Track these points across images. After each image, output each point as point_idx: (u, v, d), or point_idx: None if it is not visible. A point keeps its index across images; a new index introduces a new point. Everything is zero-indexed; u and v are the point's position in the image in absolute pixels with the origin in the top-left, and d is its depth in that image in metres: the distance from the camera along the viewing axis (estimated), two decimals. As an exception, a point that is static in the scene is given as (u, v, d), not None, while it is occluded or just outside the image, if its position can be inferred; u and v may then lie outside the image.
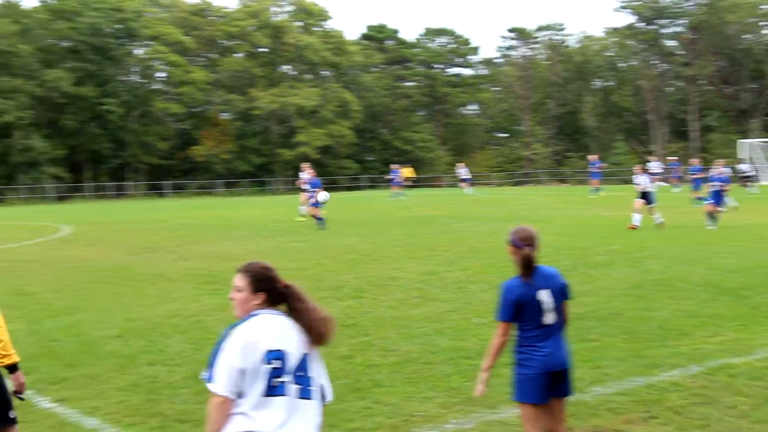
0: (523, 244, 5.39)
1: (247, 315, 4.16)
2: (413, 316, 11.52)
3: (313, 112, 76.70)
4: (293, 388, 4.01)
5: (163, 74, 76.28)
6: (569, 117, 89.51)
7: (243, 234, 25.20)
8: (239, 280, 4.25)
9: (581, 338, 9.69)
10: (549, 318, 5.40)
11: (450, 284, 14.24)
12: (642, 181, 24.55)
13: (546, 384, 5.37)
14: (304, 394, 4.06)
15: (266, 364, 3.94)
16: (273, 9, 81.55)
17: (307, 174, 29.21)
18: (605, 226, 25.03)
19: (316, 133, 75.65)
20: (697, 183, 34.16)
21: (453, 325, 10.78)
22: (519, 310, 5.37)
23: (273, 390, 3.95)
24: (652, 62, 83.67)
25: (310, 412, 4.08)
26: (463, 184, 53.32)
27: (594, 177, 44.87)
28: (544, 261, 5.57)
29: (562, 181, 77.82)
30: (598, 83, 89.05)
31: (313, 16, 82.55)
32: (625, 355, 9.00)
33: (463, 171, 53.87)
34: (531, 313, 5.37)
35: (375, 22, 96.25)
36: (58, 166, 67.86)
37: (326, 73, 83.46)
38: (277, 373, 3.97)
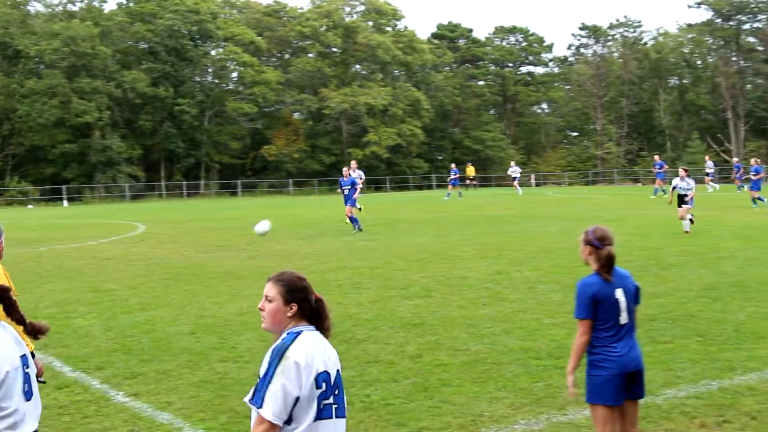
0: (603, 243, 5.33)
1: (280, 329, 3.96)
2: (482, 315, 11.46)
3: (384, 111, 76.85)
4: (334, 408, 3.86)
5: (236, 74, 77.25)
6: (643, 115, 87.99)
7: (312, 233, 25.40)
8: (270, 290, 4.02)
9: (653, 340, 9.54)
10: (624, 318, 5.32)
11: (519, 284, 14.14)
12: (676, 182, 23.65)
13: (621, 385, 5.29)
14: (340, 413, 3.91)
15: (317, 388, 3.76)
16: (345, 9, 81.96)
17: (353, 172, 28.37)
18: (680, 226, 24.54)
19: (387, 132, 75.80)
20: (755, 183, 33.58)
21: (522, 326, 10.69)
22: (596, 307, 5.29)
23: (320, 413, 3.78)
24: (730, 59, 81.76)
25: (343, 430, 3.95)
26: (515, 183, 52.58)
27: (659, 177, 44.07)
28: (617, 261, 5.48)
29: (635, 181, 76.66)
30: (673, 81, 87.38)
31: (385, 16, 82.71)
32: (699, 357, 8.81)
33: (514, 170, 53.01)
34: (607, 311, 5.29)
35: (446, 21, 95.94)
36: (134, 165, 69.30)
37: (397, 72, 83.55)
38: (325, 395, 3.80)
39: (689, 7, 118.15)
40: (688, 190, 22.95)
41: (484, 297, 12.95)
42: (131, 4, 73.86)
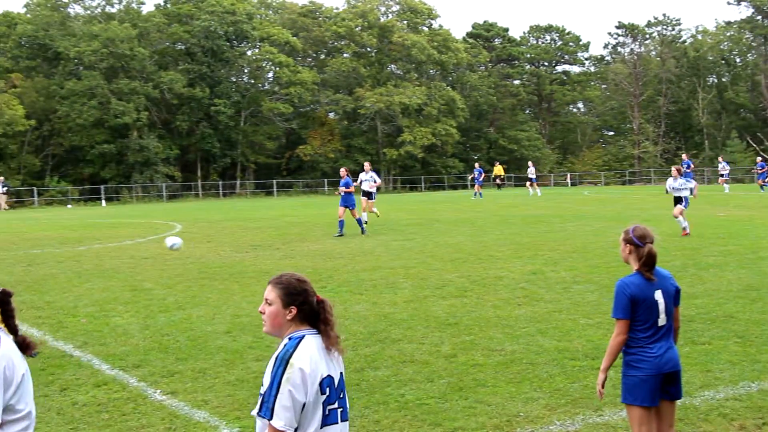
0: (643, 241, 5.30)
1: (281, 333, 3.92)
2: (517, 315, 11.42)
3: (419, 111, 76.80)
4: (339, 412, 3.85)
5: (272, 75, 77.60)
6: (680, 114, 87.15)
7: (347, 232, 25.43)
8: (270, 293, 3.92)
9: (691, 341, 9.45)
10: (662, 319, 5.28)
11: (555, 284, 14.06)
12: (669, 183, 23.16)
13: (657, 386, 5.25)
14: (345, 416, 3.90)
15: (322, 393, 3.76)
16: (380, 9, 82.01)
17: (366, 174, 27.47)
18: (719, 226, 24.29)
19: (422, 131, 75.75)
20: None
21: (558, 326, 10.64)
22: (634, 308, 5.25)
23: (326, 419, 3.77)
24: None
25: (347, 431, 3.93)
26: (528, 184, 51.70)
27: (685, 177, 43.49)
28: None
29: (673, 180, 75.80)
30: (711, 79, 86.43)
31: (420, 15, 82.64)
32: (738, 359, 8.71)
33: (531, 170, 52.21)
34: (646, 312, 5.25)
35: (481, 20, 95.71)
36: (171, 165, 69.92)
37: (432, 71, 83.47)
38: (329, 400, 3.79)
39: (729, 3, 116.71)
40: (682, 189, 22.35)
41: (519, 297, 12.90)
42: (168, 6, 74.53)
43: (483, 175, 50.34)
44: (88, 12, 70.56)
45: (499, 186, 64.93)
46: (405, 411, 7.35)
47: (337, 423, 3.80)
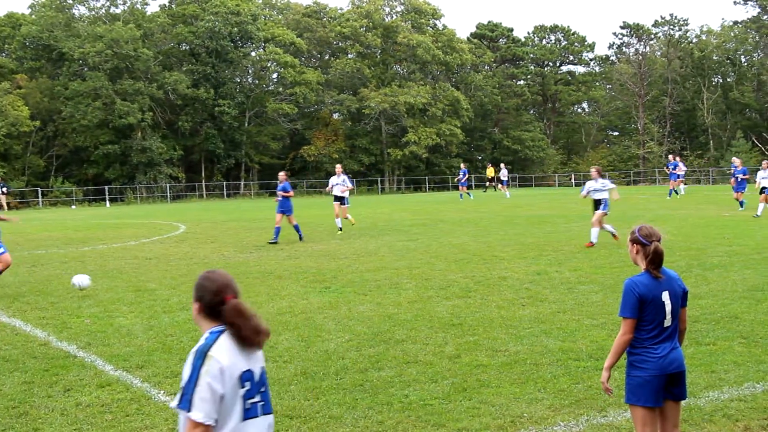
0: (649, 240, 5.29)
1: (201, 327, 3.94)
2: (521, 316, 11.40)
3: (423, 111, 76.83)
4: (260, 406, 3.88)
5: (277, 75, 77.67)
6: (685, 114, 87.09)
7: (351, 233, 25.43)
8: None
9: (695, 341, 9.42)
10: (668, 321, 5.27)
11: (559, 285, 14.04)
12: (590, 185, 20.65)
13: (661, 387, 5.23)
14: (266, 409, 3.93)
15: (242, 387, 3.78)
16: (385, 9, 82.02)
17: (338, 177, 25.72)
18: (724, 226, 24.25)
19: (426, 132, 75.80)
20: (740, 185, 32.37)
21: (562, 327, 10.61)
22: (641, 308, 5.24)
23: (248, 413, 3.80)
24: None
25: (270, 425, 3.96)
26: (501, 187, 51.13)
27: (672, 178, 43.06)
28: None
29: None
30: (716, 79, 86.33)
31: (425, 15, 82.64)
32: (743, 359, 8.68)
33: (503, 172, 51.67)
34: (653, 312, 5.23)
35: (485, 20, 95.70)
36: (175, 166, 70.05)
37: (437, 71, 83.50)
38: (250, 394, 3.81)
39: (735, 3, 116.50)
40: (603, 191, 20.32)
41: (523, 297, 12.88)
42: (173, 6, 74.67)
43: (467, 176, 49.82)
44: (93, 13, 70.70)
45: (485, 188, 64.29)
46: (409, 411, 7.33)
47: (257, 416, 3.84)
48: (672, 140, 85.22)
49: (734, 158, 35.07)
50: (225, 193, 69.45)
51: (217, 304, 3.89)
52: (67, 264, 18.95)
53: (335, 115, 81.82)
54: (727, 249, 18.26)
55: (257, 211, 42.05)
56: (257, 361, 3.92)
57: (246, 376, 3.80)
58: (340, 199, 25.54)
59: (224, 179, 73.13)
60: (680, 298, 5.37)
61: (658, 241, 5.31)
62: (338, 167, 26.18)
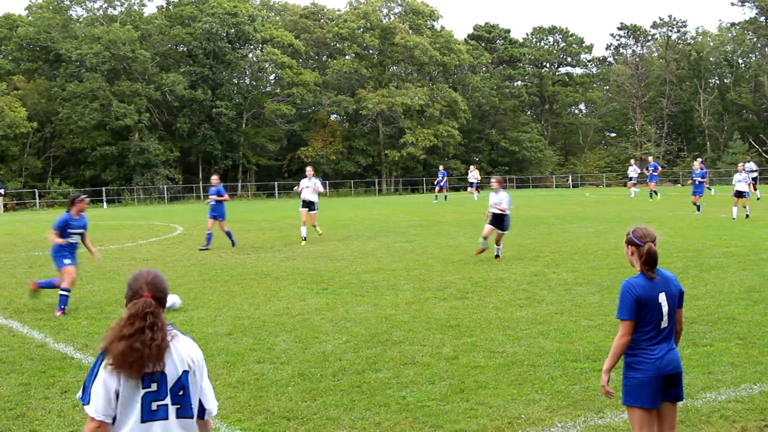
0: (643, 241, 5.31)
1: None
2: (519, 317, 11.41)
3: (421, 112, 76.83)
4: (173, 410, 3.77)
5: (274, 76, 77.61)
6: (682, 116, 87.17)
7: (349, 234, 25.44)
8: None
9: (693, 343, 9.43)
10: (665, 322, 5.28)
11: (557, 286, 14.05)
12: (491, 198, 18.28)
13: (658, 388, 5.25)
14: (185, 413, 3.82)
15: (144, 387, 3.70)
16: (382, 10, 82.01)
17: (309, 180, 23.45)
18: (721, 227, 24.27)
19: (424, 133, 75.78)
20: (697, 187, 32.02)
21: (559, 328, 10.62)
22: (639, 309, 5.25)
23: (152, 414, 3.71)
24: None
25: (187, 428, 3.86)
26: (471, 189, 50.36)
27: (651, 180, 42.83)
28: (658, 263, 5.41)
29: (675, 182, 75.89)
30: (713, 80, 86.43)
31: (422, 16, 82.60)
32: (740, 361, 8.69)
33: (472, 175, 51.06)
34: (649, 314, 5.25)
35: (483, 22, 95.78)
36: (172, 167, 69.97)
37: (434, 73, 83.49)
38: (159, 396, 3.72)
39: (732, 5, 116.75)
40: (498, 204, 17.87)
41: (520, 299, 12.89)
42: (170, 8, 74.62)
43: (446, 178, 49.22)
44: (90, 14, 70.59)
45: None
46: (406, 413, 7.33)
47: (166, 419, 3.75)
48: (669, 142, 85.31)
49: (695, 161, 34.94)
50: (222, 195, 69.40)
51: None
52: (65, 265, 18.91)
53: (333, 117, 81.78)
54: (724, 250, 18.28)
55: (254, 212, 42.02)
56: (176, 364, 3.80)
57: (155, 378, 3.71)
58: (309, 205, 23.13)
59: (222, 181, 72.85)
60: (677, 299, 5.39)
61: (652, 242, 5.33)
62: (309, 169, 23.92)
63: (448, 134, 77.43)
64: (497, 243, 17.97)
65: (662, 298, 5.28)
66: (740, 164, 29.96)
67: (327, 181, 72.75)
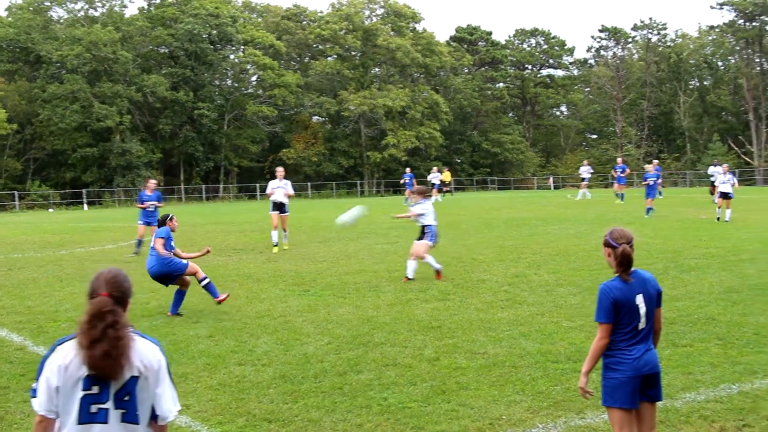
0: (619, 243, 5.33)
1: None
2: (500, 318, 11.44)
3: (403, 114, 76.89)
4: (116, 414, 3.71)
5: (256, 78, 77.47)
6: (663, 117, 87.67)
7: (330, 236, 25.41)
8: None
9: (672, 343, 9.49)
10: (642, 323, 5.30)
11: (538, 287, 14.09)
12: (418, 210, 15.65)
13: (636, 388, 5.27)
14: (130, 419, 3.75)
15: (83, 390, 3.67)
16: (365, 12, 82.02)
17: (280, 181, 22.05)
18: (700, 228, 24.42)
19: (405, 134, 75.83)
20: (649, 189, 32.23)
21: (540, 329, 10.66)
22: (616, 312, 5.27)
23: (91, 417, 3.67)
24: (753, 60, 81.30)
25: None
26: (434, 191, 49.69)
27: (619, 182, 42.89)
28: (637, 264, 5.45)
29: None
30: (693, 83, 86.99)
31: (405, 18, 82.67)
32: (719, 361, 8.75)
33: (434, 176, 50.67)
34: (627, 316, 5.27)
35: (465, 24, 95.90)
36: (154, 169, 69.66)
37: (416, 74, 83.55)
38: (100, 399, 3.68)
39: (711, 8, 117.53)
40: (420, 216, 15.53)
41: (502, 300, 12.92)
42: (152, 9, 74.30)
43: (413, 179, 48.78)
44: (71, 15, 70.25)
45: (442, 192, 60.78)
46: (388, 414, 7.34)
47: (105, 423, 3.70)
48: (649, 143, 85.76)
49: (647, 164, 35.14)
50: (204, 196, 69.20)
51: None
52: (44, 268, 18.81)
53: (314, 118, 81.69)
54: (704, 251, 18.39)
55: (236, 214, 41.92)
56: (128, 369, 3.73)
57: (93, 381, 3.67)
58: (280, 207, 21.84)
59: (203, 182, 72.82)
60: (655, 300, 5.41)
61: (628, 243, 5.35)
62: (280, 170, 22.38)
63: (430, 136, 77.52)
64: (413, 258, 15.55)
65: (639, 299, 5.30)
66: (724, 165, 30.09)
67: (309, 183, 72.69)
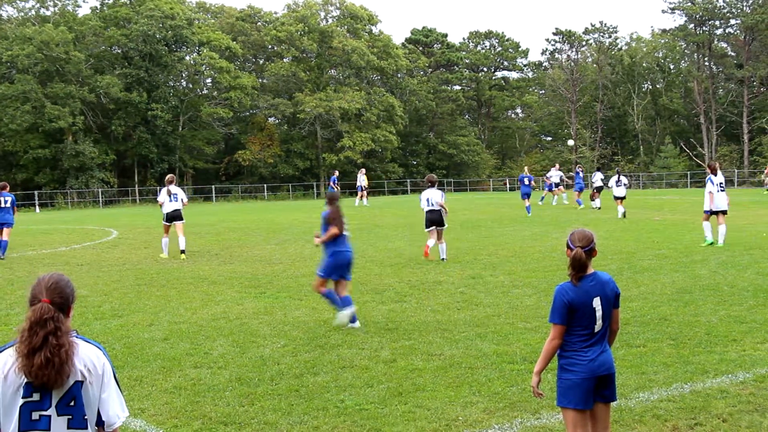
0: (575, 245, 5.35)
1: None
2: (456, 320, 11.49)
3: (358, 116, 76.91)
4: (61, 420, 3.65)
5: (211, 80, 76.96)
6: (617, 120, 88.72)
7: (286, 238, 25.33)
8: None
9: (626, 343, 9.60)
10: (598, 325, 5.34)
11: (494, 288, 14.18)
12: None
13: (591, 389, 5.32)
14: (76, 424, 3.69)
15: (23, 397, 3.61)
16: (320, 14, 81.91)
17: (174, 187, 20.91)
18: (654, 230, 24.76)
19: (361, 137, 75.83)
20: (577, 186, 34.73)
21: (496, 330, 10.72)
22: (571, 314, 5.29)
23: (32, 425, 3.62)
24: (703, 64, 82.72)
25: None
26: (360, 194, 49.20)
27: (546, 188, 43.81)
28: (592, 265, 5.49)
29: (609, 186, 76.96)
30: (646, 86, 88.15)
31: (361, 21, 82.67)
32: (671, 360, 8.88)
33: (361, 178, 50.21)
34: (583, 318, 5.30)
35: (420, 26, 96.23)
36: (107, 170, 68.84)
37: (372, 77, 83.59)
38: (41, 407, 3.62)
39: (663, 12, 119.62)
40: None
41: (458, 301, 12.98)
42: (105, 9, 73.41)
43: (336, 184, 48.27)
44: (22, 14, 69.15)
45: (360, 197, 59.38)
46: (344, 416, 7.33)
47: (48, 430, 3.65)
48: (604, 145, 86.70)
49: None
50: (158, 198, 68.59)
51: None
52: (-5, 271, 18.49)
53: (270, 120, 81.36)
54: (657, 252, 18.65)
55: (191, 216, 41.52)
56: (72, 375, 3.68)
57: (33, 388, 3.61)
58: (176, 216, 20.65)
59: (158, 184, 71.96)
60: (612, 302, 5.45)
61: (584, 247, 5.36)
62: (170, 177, 20.97)
63: (386, 139, 77.61)
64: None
65: (597, 302, 5.33)
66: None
67: (265, 185, 72.34)
